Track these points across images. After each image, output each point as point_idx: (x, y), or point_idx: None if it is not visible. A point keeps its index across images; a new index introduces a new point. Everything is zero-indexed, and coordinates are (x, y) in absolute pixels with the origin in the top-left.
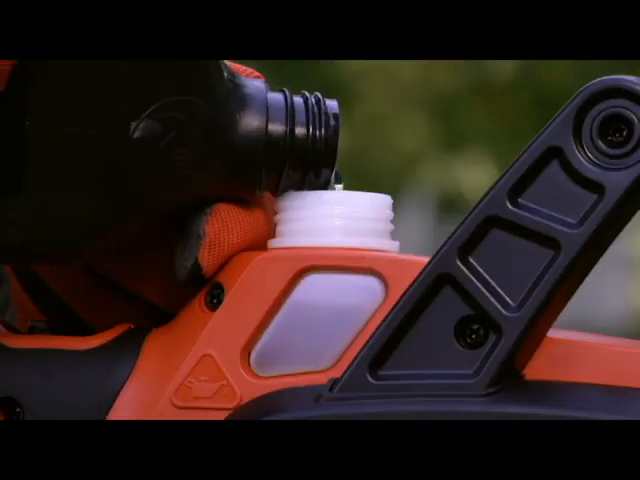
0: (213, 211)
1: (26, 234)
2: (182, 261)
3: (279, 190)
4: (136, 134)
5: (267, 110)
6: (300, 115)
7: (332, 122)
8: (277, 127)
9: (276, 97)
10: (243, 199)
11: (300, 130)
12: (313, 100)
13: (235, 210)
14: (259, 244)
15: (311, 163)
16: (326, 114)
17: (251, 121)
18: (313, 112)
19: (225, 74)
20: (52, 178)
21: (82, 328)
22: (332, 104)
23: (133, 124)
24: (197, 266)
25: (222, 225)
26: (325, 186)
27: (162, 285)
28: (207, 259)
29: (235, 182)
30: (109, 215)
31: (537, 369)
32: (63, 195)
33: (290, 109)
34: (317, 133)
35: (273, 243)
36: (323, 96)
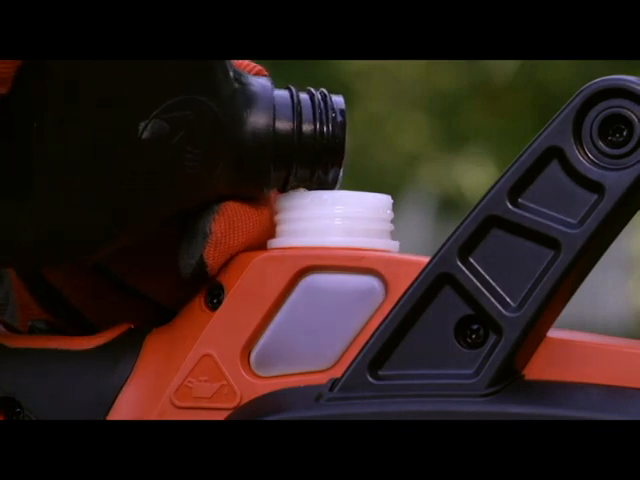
0: (221, 209)
1: (38, 237)
2: (187, 258)
3: (287, 188)
4: (145, 135)
5: (274, 108)
6: (307, 112)
7: (339, 118)
8: (284, 124)
9: (282, 94)
10: (251, 197)
11: (307, 127)
12: (319, 96)
13: (242, 208)
14: (264, 241)
15: (319, 160)
16: (333, 110)
17: (258, 119)
18: (320, 108)
19: (231, 73)
20: (62, 180)
21: (86, 327)
22: (338, 100)
23: (142, 124)
24: (202, 263)
25: (229, 224)
26: (334, 183)
27: (167, 283)
28: (212, 257)
29: (243, 180)
30: (120, 216)
31: (537, 369)
32: (74, 197)
33: (297, 106)
34: (324, 130)
35: (273, 243)
36: (329, 92)
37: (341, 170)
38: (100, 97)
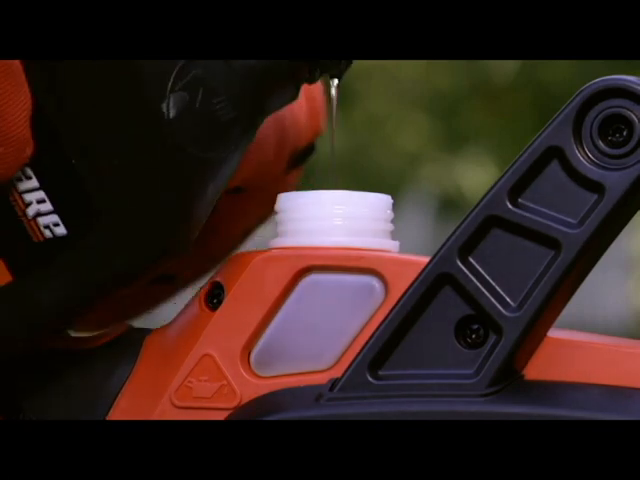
0: None
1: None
2: None
3: (316, 77)
4: (171, 113)
5: None
6: None
7: None
8: None
9: None
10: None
11: None
12: None
13: None
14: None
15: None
16: None
17: None
18: None
19: None
20: (117, 205)
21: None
22: None
23: (164, 106)
24: None
25: None
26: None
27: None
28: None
29: (274, 89)
30: (186, 205)
31: (537, 369)
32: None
33: None
34: None
35: (273, 243)
36: None
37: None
38: (116, 102)
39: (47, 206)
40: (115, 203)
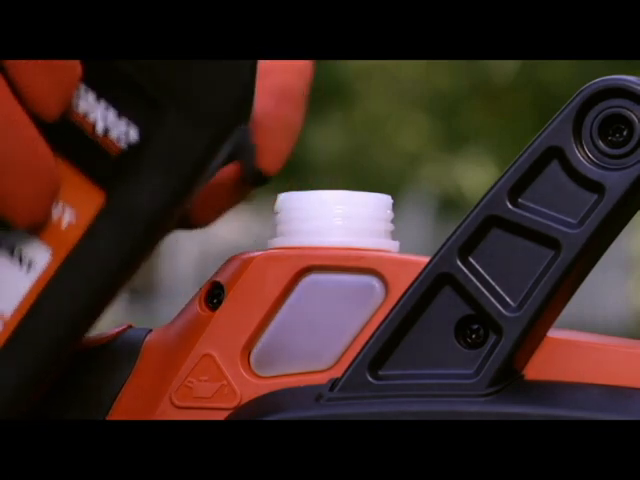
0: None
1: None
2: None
3: None
4: None
5: None
6: None
7: None
8: None
9: None
10: None
11: None
12: None
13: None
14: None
15: None
16: None
17: None
18: None
19: None
20: (177, 90)
21: None
22: None
23: None
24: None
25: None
26: None
27: None
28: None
29: None
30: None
31: (537, 369)
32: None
33: None
34: None
35: (273, 243)
36: None
37: None
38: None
39: (112, 117)
40: (173, 88)
